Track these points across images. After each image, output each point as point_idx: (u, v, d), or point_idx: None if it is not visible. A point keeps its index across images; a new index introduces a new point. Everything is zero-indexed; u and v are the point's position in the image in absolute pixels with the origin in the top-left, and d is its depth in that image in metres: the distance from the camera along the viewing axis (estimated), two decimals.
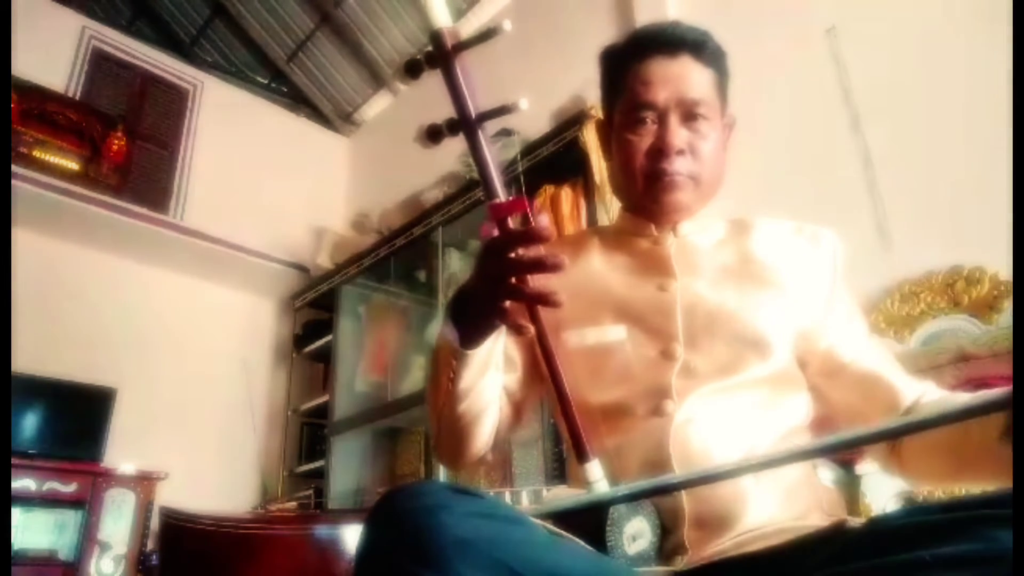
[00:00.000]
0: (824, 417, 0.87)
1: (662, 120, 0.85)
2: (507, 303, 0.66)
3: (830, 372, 0.86)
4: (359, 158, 4.86)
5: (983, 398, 0.60)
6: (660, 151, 0.85)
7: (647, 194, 0.87)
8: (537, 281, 0.66)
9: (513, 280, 0.65)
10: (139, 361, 3.72)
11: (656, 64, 0.86)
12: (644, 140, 0.86)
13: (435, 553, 0.51)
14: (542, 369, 0.82)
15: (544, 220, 0.64)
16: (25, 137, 3.49)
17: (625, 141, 0.87)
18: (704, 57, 0.87)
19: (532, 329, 0.68)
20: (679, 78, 0.86)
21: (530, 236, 0.63)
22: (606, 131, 0.95)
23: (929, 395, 0.81)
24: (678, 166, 0.85)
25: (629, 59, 0.89)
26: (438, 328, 3.21)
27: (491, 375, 0.80)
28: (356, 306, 3.99)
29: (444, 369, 0.77)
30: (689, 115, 0.86)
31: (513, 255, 0.64)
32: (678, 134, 0.85)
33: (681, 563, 0.70)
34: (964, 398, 0.74)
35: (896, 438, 0.80)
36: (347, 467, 3.66)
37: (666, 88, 0.85)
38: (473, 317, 0.73)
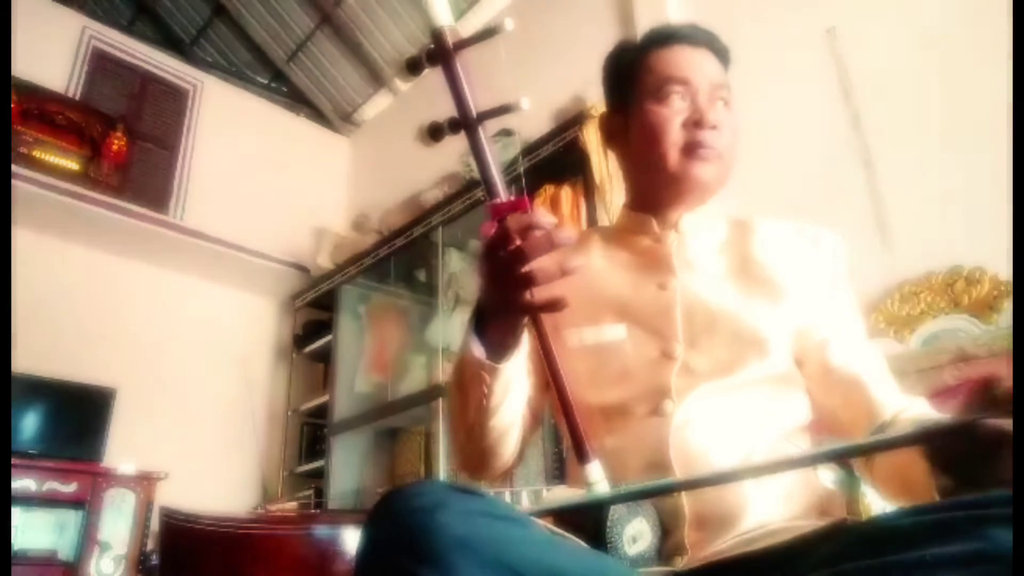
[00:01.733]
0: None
1: (694, 98, 0.86)
2: (527, 293, 0.66)
3: (820, 374, 0.85)
4: (359, 158, 4.86)
5: (908, 430, 0.62)
6: (697, 123, 0.85)
7: (680, 166, 0.86)
8: (543, 290, 0.65)
9: (522, 271, 0.65)
10: (139, 361, 3.72)
11: (682, 50, 0.88)
12: (677, 114, 0.86)
13: (435, 552, 0.50)
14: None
15: (541, 213, 0.65)
16: (25, 137, 3.49)
17: (654, 114, 0.86)
18: (719, 55, 0.90)
19: (567, 303, 0.66)
20: (705, 63, 0.88)
21: (524, 230, 0.64)
22: (614, 122, 0.94)
23: (910, 411, 0.79)
24: (713, 139, 0.85)
25: (654, 46, 0.90)
26: (440, 331, 3.19)
27: (519, 386, 0.80)
28: (356, 306, 3.99)
29: (473, 385, 0.76)
30: (716, 98, 0.87)
31: (514, 248, 0.64)
32: (714, 110, 0.86)
33: (681, 563, 0.70)
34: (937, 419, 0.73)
35: (863, 454, 0.79)
36: (347, 467, 3.66)
37: (694, 69, 0.87)
38: (496, 324, 0.72)
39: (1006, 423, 0.55)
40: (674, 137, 0.85)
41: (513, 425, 0.83)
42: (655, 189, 0.90)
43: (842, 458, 0.78)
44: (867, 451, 0.68)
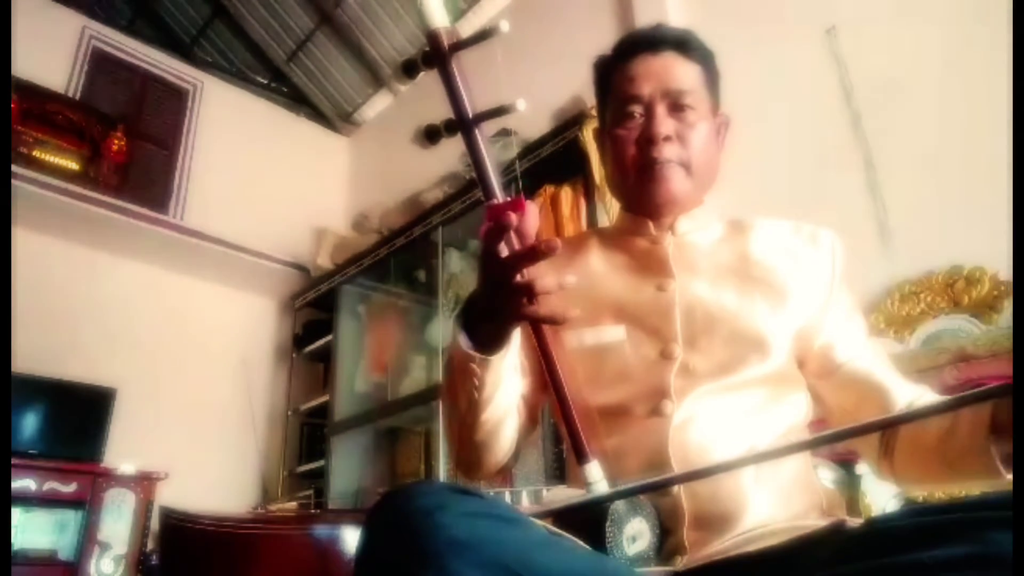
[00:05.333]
0: (823, 418, 0.87)
1: (649, 112, 0.87)
2: (522, 300, 0.65)
3: (825, 372, 0.86)
4: (359, 158, 4.86)
5: (976, 391, 0.61)
6: (648, 139, 0.86)
7: (640, 185, 0.87)
8: (545, 301, 0.65)
9: (520, 280, 0.64)
10: (139, 361, 3.72)
11: (640, 61, 0.89)
12: (632, 133, 0.87)
13: (433, 553, 0.50)
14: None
15: (533, 210, 0.65)
16: (25, 137, 3.49)
17: (615, 137, 0.89)
18: (688, 53, 0.89)
19: (565, 318, 0.66)
20: (663, 71, 0.88)
21: (529, 248, 0.63)
22: (602, 136, 0.96)
23: (923, 399, 0.81)
24: (667, 153, 0.85)
25: (616, 61, 0.91)
26: (440, 331, 3.19)
27: (510, 380, 0.80)
28: (356, 306, 3.99)
29: (464, 379, 0.75)
30: (675, 105, 0.87)
31: (508, 257, 0.64)
32: (664, 122, 0.86)
33: (680, 563, 0.70)
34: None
35: (885, 429, 0.80)
36: (347, 467, 3.66)
37: (650, 81, 0.87)
38: (489, 324, 0.72)
39: None
40: (631, 158, 0.87)
41: (505, 419, 0.82)
42: (634, 203, 0.92)
43: (880, 429, 0.78)
44: (897, 423, 0.68)
